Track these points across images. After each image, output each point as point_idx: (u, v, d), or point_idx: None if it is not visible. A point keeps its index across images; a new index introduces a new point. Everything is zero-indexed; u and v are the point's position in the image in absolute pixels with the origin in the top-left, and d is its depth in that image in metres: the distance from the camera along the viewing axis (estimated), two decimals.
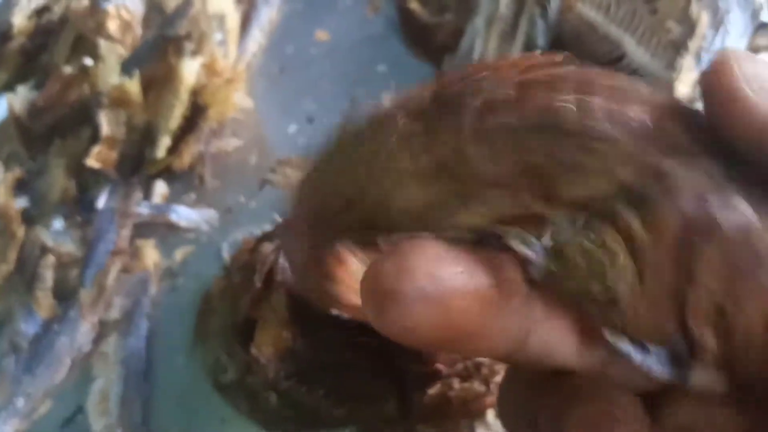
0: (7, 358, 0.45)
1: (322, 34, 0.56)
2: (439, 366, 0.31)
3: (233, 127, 0.51)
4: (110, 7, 0.49)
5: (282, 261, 0.34)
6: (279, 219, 0.42)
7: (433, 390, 0.32)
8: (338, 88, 0.52)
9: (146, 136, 0.45)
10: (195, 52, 0.45)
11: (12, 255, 0.46)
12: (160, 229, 0.47)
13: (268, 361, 0.33)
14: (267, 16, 0.56)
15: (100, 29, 0.48)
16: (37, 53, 0.54)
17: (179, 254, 0.46)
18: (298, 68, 0.54)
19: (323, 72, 0.53)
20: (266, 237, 0.36)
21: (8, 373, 0.44)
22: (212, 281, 0.41)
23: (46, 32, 0.54)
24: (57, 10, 0.54)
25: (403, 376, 0.32)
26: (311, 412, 0.34)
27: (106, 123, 0.44)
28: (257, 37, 0.54)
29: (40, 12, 0.54)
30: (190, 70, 0.45)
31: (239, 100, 0.49)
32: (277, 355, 0.33)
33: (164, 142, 0.44)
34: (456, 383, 0.32)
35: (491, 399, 0.34)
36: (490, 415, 0.36)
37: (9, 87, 0.54)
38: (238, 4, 0.54)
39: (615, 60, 0.44)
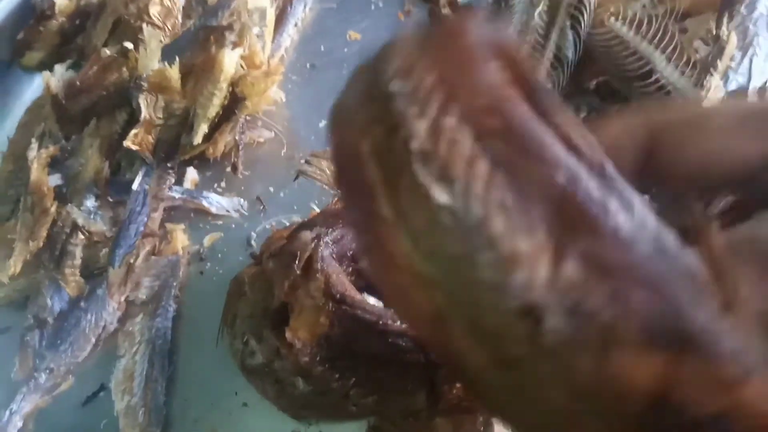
0: (32, 332, 0.45)
1: (354, 34, 0.57)
2: None
3: (264, 119, 0.52)
4: None
5: (321, 249, 0.34)
6: (315, 209, 0.43)
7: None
8: None
9: (184, 122, 0.46)
10: (236, 44, 0.46)
11: (42, 231, 0.46)
12: (191, 214, 0.48)
13: (303, 345, 0.33)
14: (301, 13, 0.57)
15: (142, 14, 0.48)
16: (74, 34, 0.55)
17: (208, 240, 0.46)
18: (329, 66, 0.55)
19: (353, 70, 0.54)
20: (304, 225, 0.37)
21: (32, 348, 0.45)
22: (239, 267, 0.42)
23: (84, 14, 0.55)
24: None
25: (434, 370, 0.32)
26: (339, 400, 0.34)
27: (145, 107, 0.45)
28: (291, 33, 0.56)
29: None
30: (230, 60, 0.45)
31: (272, 93, 0.50)
32: (312, 340, 0.33)
33: (202, 130, 0.45)
34: None
35: None
36: None
37: (43, 66, 0.55)
38: (273, 0, 0.55)
39: (644, 75, 0.45)
